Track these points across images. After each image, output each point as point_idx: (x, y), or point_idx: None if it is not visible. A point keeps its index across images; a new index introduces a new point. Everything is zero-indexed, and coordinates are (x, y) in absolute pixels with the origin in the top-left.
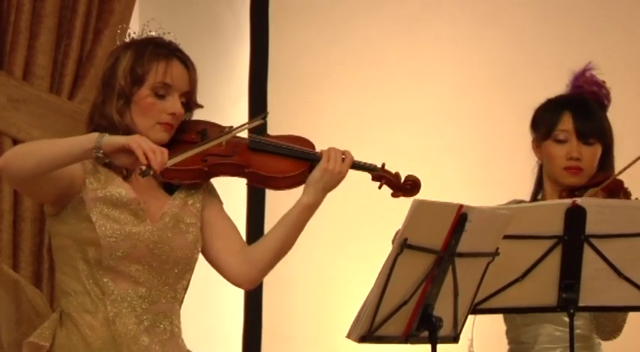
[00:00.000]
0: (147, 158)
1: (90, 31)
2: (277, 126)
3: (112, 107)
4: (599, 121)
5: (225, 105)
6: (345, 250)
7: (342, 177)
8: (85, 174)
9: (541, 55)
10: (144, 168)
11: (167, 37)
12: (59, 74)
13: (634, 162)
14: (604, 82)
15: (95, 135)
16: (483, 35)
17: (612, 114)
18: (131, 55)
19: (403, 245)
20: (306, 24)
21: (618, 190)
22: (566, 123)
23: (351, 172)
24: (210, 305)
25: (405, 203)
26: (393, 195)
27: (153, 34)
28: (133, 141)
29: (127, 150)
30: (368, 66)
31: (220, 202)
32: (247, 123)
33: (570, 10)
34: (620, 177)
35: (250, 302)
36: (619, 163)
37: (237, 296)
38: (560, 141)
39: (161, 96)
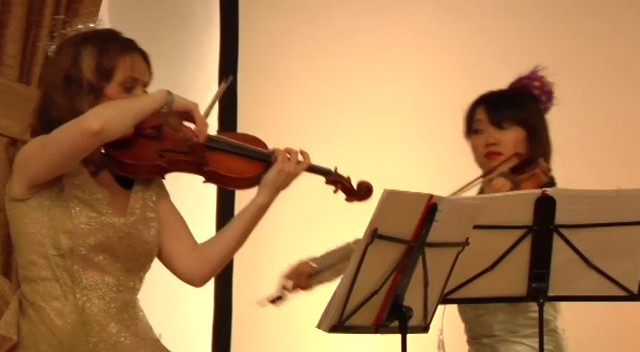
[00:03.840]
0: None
1: (59, 20)
2: (247, 117)
3: (84, 102)
4: (514, 107)
5: (195, 96)
6: (316, 238)
7: (295, 178)
8: None
9: (511, 44)
10: (195, 137)
11: (100, 27)
12: (28, 63)
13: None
14: (549, 82)
15: (164, 92)
16: (454, 25)
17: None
18: (93, 49)
19: (373, 235)
20: (276, 15)
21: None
22: (480, 114)
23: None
24: (180, 293)
25: (377, 192)
26: (347, 199)
27: (92, 26)
28: (196, 107)
29: (186, 114)
30: (338, 57)
31: (169, 196)
32: (219, 90)
33: (540, 0)
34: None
35: (220, 290)
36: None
37: (208, 286)
38: (477, 132)
39: (129, 90)
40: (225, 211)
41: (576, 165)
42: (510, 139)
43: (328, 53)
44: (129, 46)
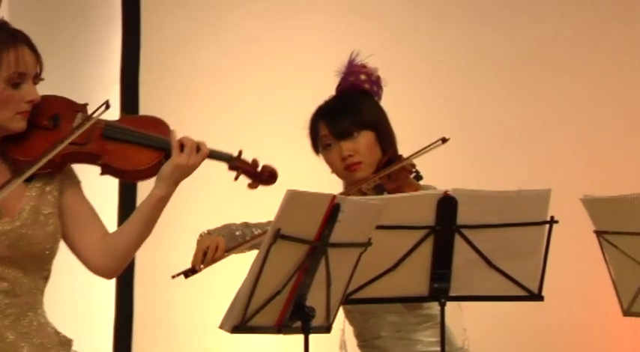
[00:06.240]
0: None
1: None
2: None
3: None
4: (353, 113)
5: (100, 92)
6: None
7: (195, 169)
8: None
9: (416, 44)
10: None
11: None
12: None
13: (403, 161)
14: (372, 69)
15: None
16: (358, 26)
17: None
18: None
19: (276, 235)
20: (179, 15)
21: (400, 176)
22: (323, 129)
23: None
24: (80, 295)
25: (281, 192)
26: (251, 185)
27: None
28: None
29: None
30: (243, 57)
31: (78, 184)
32: (91, 116)
33: None
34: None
35: (122, 291)
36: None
37: (109, 285)
38: (328, 147)
39: (16, 85)
40: (127, 202)
41: (491, 165)
42: (363, 146)
43: (232, 54)
44: (11, 39)
